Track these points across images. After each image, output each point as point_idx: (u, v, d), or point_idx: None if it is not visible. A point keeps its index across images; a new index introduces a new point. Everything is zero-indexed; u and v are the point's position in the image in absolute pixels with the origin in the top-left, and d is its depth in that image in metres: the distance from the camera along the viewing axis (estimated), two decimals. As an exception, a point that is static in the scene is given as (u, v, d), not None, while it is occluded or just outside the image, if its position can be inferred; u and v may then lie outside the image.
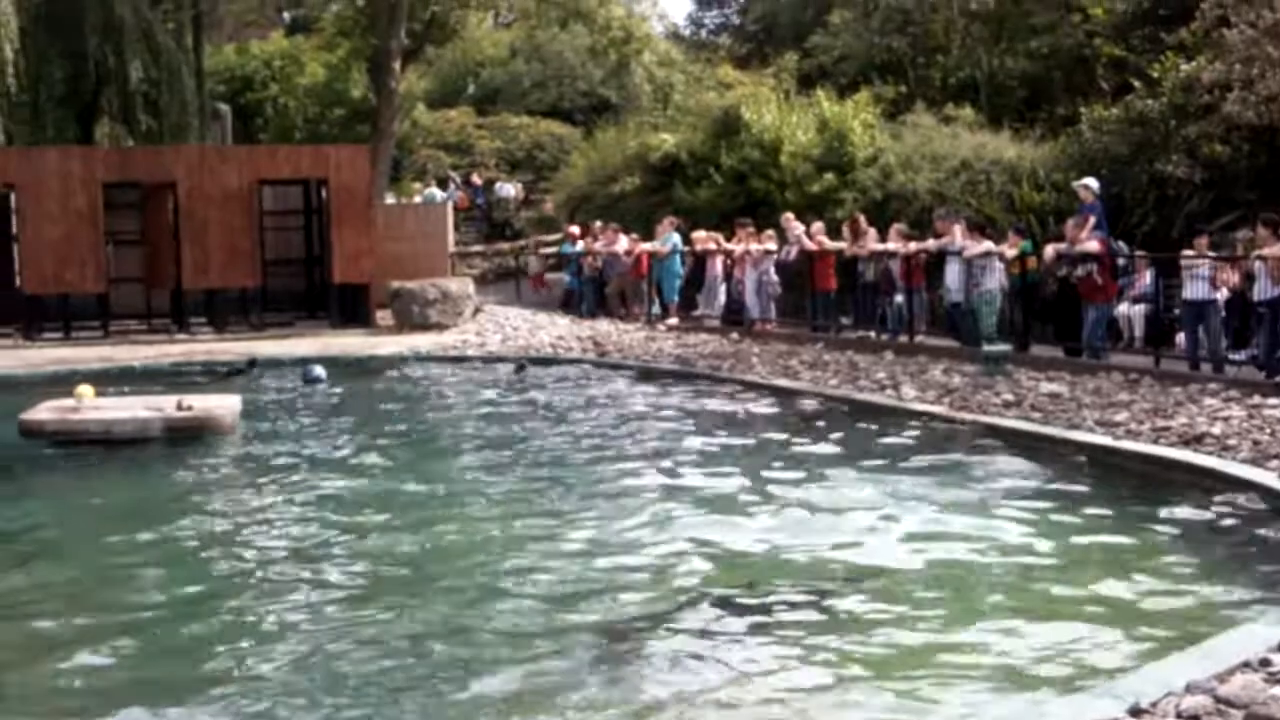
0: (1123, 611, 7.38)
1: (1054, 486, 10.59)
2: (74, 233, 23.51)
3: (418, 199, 35.76)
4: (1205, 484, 10.16)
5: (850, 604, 7.64)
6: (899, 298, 19.28)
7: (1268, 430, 11.43)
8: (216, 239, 24.19)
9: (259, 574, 8.61)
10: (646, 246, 24.29)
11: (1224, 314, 15.28)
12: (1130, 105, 21.19)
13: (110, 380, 17.17)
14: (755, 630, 7.20)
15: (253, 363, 19.20)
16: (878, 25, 31.22)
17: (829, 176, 24.08)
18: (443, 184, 38.89)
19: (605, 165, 30.90)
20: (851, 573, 8.27)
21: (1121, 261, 17.18)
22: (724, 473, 11.46)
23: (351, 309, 24.67)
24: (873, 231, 20.29)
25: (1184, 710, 5.28)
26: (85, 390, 14.31)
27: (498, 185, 39.06)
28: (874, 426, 13.53)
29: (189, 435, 13.50)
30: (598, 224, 26.40)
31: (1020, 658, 6.66)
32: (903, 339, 18.78)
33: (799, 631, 7.16)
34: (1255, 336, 14.87)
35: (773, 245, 21.71)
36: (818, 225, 21.50)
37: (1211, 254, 15.81)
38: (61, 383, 16.18)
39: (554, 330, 22.70)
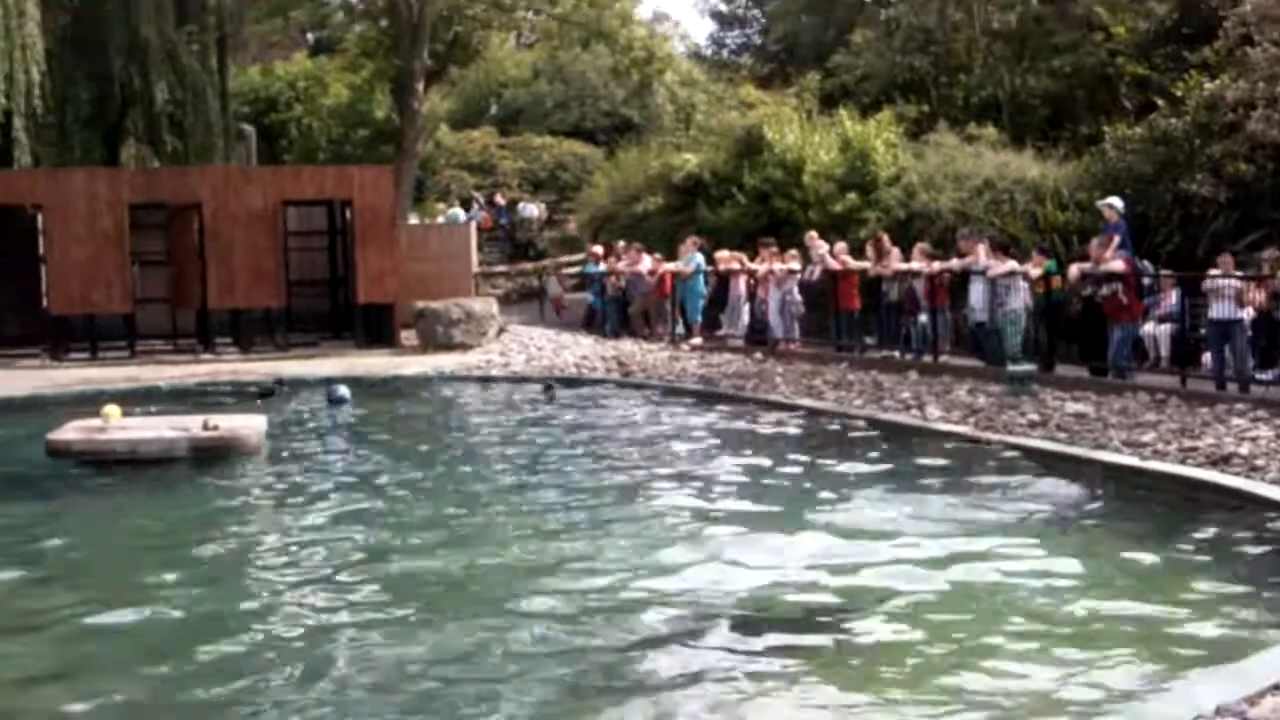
0: (1150, 633, 7.33)
1: (1080, 507, 10.55)
2: (100, 254, 23.65)
3: (441, 219, 35.87)
4: (1233, 504, 10.11)
5: (872, 626, 7.59)
6: (923, 317, 19.25)
7: (1296, 450, 11.39)
8: (241, 259, 24.29)
9: (281, 595, 8.59)
10: (670, 266, 24.31)
11: (1250, 333, 15.21)
12: (1154, 124, 21.15)
13: (136, 400, 17.23)
14: (775, 652, 7.16)
15: (280, 383, 19.26)
16: (900, 44, 31.27)
17: (852, 196, 24.10)
18: (466, 204, 39.02)
19: (628, 185, 30.98)
20: (874, 594, 8.22)
21: (1147, 281, 17.13)
22: (748, 494, 11.44)
23: (376, 329, 24.73)
24: (896, 251, 20.28)
25: (1215, 733, 5.27)
26: (112, 410, 14.37)
27: (521, 205, 39.15)
28: (899, 447, 13.50)
29: (215, 455, 13.52)
30: (621, 244, 26.42)
31: (1046, 681, 6.59)
32: (927, 359, 18.74)
33: (819, 654, 7.14)
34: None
35: (796, 265, 21.71)
36: (841, 245, 21.50)
37: (1238, 274, 15.75)
38: (88, 403, 16.25)
39: (578, 350, 22.71)
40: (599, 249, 27.37)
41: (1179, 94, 21.52)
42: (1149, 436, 12.49)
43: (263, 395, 18.48)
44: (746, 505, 10.93)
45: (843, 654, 7.15)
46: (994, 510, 10.51)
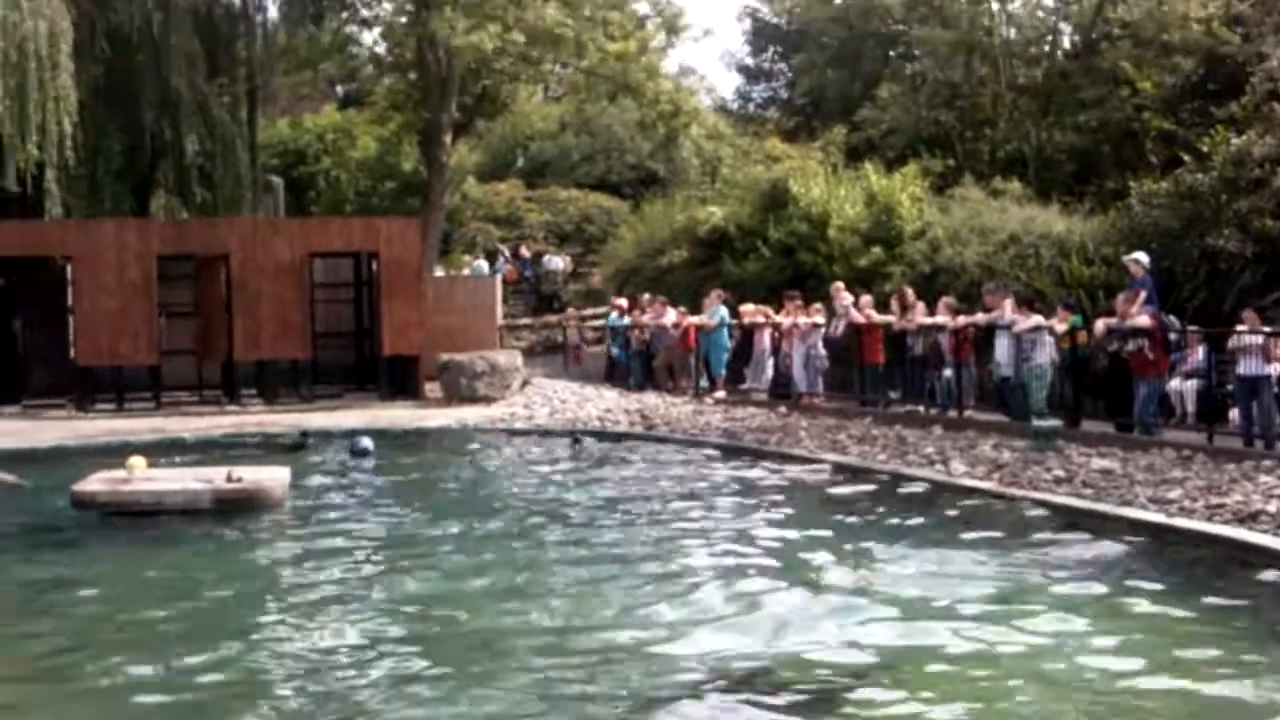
0: (1176, 697, 7.26)
1: (1105, 565, 10.46)
2: (129, 305, 23.77)
3: (466, 271, 36.00)
4: (1264, 562, 10.02)
5: (888, 691, 7.51)
6: (948, 372, 19.19)
7: (1324, 509, 11.28)
8: (268, 311, 24.38)
9: (302, 652, 8.56)
10: (694, 320, 24.32)
11: (1277, 389, 15.10)
12: (1180, 179, 21.11)
13: (161, 451, 17.26)
14: (786, 710, 7.12)
15: (304, 435, 19.27)
16: (925, 99, 31.41)
17: (877, 250, 24.07)
18: (491, 257, 39.15)
19: (653, 238, 31.04)
20: (890, 654, 8.15)
21: (1173, 336, 17.06)
22: (770, 552, 11.36)
23: (400, 381, 24.76)
24: (921, 305, 20.25)
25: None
26: (137, 461, 14.39)
27: (546, 258, 39.27)
28: (923, 503, 13.45)
29: (239, 507, 13.53)
30: (646, 297, 26.46)
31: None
32: (952, 414, 18.68)
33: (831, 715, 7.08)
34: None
35: (820, 319, 21.69)
36: (866, 298, 21.48)
37: (1266, 329, 15.68)
38: (113, 454, 16.28)
39: (601, 403, 22.71)
40: (623, 301, 27.42)
41: (1205, 149, 21.48)
42: (1176, 493, 12.40)
43: (294, 448, 18.48)
44: (769, 562, 10.86)
45: (859, 711, 7.07)
46: (1016, 567, 10.44)
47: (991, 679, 7.71)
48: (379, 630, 9.00)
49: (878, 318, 20.83)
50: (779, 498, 14.12)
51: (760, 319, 23.30)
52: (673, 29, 35.66)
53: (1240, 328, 15.72)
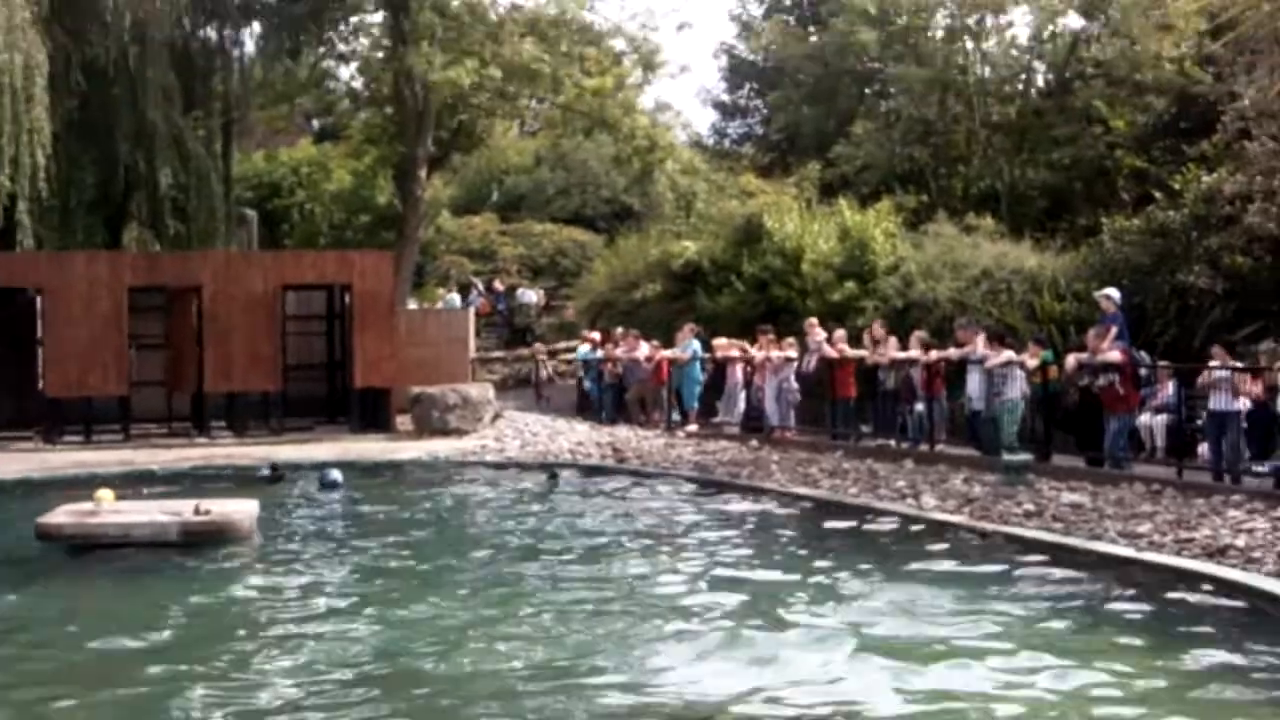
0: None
1: (1073, 598, 10.44)
2: (98, 336, 23.60)
3: (440, 304, 35.94)
4: (1233, 595, 10.02)
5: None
6: (919, 406, 19.21)
7: (1293, 543, 11.30)
8: (239, 343, 24.26)
9: (264, 687, 8.45)
10: (667, 353, 24.31)
11: (1245, 425, 15.15)
12: (1151, 216, 21.26)
13: (130, 484, 17.12)
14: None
15: (274, 467, 19.12)
16: (899, 135, 31.53)
17: (850, 285, 24.14)
18: (465, 290, 39.12)
19: (627, 272, 31.08)
20: (860, 692, 8.08)
21: (1143, 371, 17.11)
22: (739, 584, 11.32)
23: (372, 414, 24.66)
24: (893, 339, 20.29)
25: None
26: (105, 494, 14.27)
27: (519, 291, 39.25)
28: (893, 536, 13.44)
29: (207, 540, 13.41)
30: (619, 330, 26.45)
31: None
32: (923, 447, 18.68)
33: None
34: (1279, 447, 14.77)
35: (793, 353, 21.70)
36: (839, 332, 21.50)
37: (1235, 364, 15.73)
38: (81, 486, 16.15)
39: (573, 436, 22.65)
40: (596, 335, 27.41)
41: (1177, 187, 21.64)
42: (1145, 527, 12.41)
43: (272, 480, 18.36)
44: (739, 598, 10.75)
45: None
46: (988, 601, 10.39)
47: (958, 715, 7.66)
48: (340, 670, 8.84)
49: (850, 352, 20.85)
50: (750, 532, 14.08)
51: (734, 353, 23.29)
52: (649, 65, 35.73)
53: (1212, 363, 15.78)
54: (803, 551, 12.83)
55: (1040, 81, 32.13)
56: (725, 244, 27.89)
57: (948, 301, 22.28)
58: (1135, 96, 27.84)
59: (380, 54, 35.23)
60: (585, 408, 26.73)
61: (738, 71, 45.92)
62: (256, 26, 34.76)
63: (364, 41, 36.46)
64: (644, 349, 24.88)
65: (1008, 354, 17.87)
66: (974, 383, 18.32)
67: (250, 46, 35.14)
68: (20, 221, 25.86)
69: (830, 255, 25.26)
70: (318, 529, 14.92)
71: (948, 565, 11.82)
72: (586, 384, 27.09)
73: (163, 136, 29.95)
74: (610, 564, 12.52)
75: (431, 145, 35.12)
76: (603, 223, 43.65)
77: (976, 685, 8.20)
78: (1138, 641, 9.10)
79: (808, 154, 34.65)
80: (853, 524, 14.15)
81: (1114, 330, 17.04)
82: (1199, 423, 16.20)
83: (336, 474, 18.06)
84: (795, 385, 21.50)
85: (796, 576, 11.58)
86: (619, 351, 25.54)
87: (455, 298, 37.49)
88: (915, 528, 13.70)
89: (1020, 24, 31.84)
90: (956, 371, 19.00)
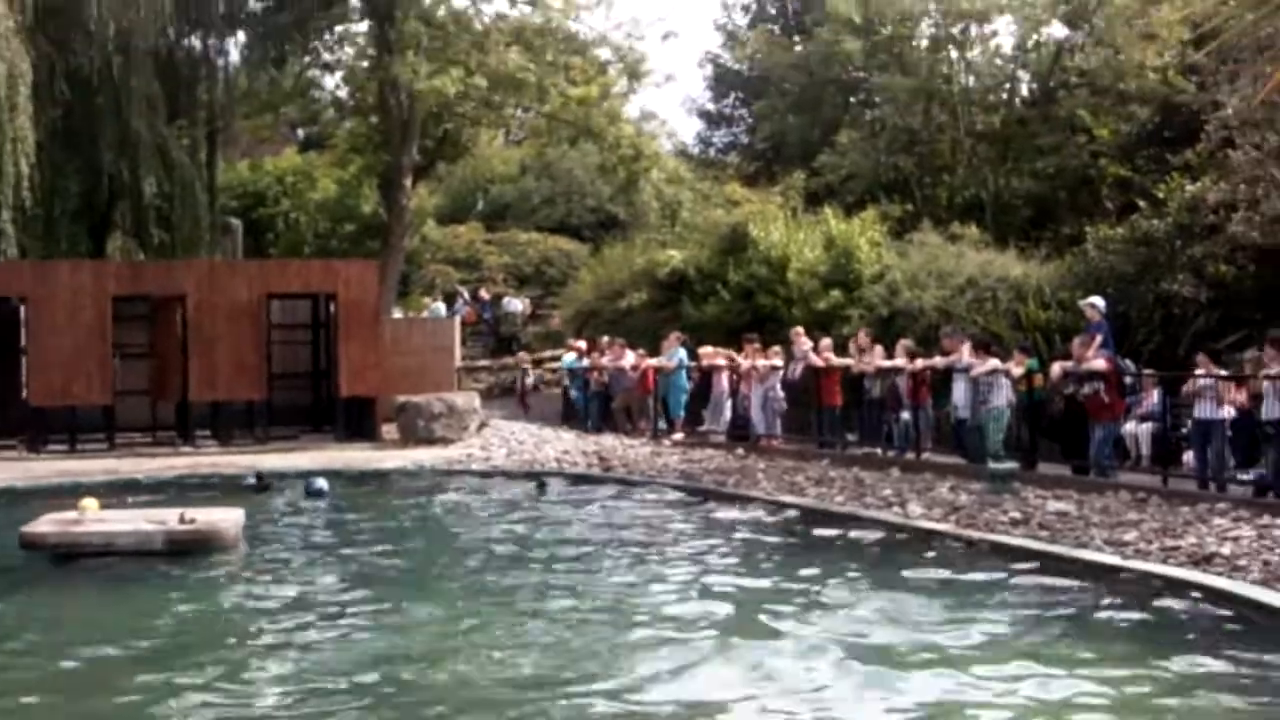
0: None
1: (1060, 606, 10.45)
2: (82, 345, 23.54)
3: (425, 313, 35.91)
4: (1219, 603, 10.04)
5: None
6: (905, 414, 19.23)
7: (1277, 551, 11.32)
8: (224, 352, 24.22)
9: (250, 697, 8.41)
10: (653, 362, 24.31)
11: (1230, 433, 15.19)
12: (1136, 225, 21.33)
13: (114, 492, 17.05)
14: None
15: (260, 476, 19.07)
16: (884, 145, 31.61)
17: (836, 293, 24.19)
18: (450, 299, 39.08)
19: (613, 281, 31.11)
20: (848, 703, 8.07)
21: (1128, 380, 17.15)
22: (726, 594, 11.30)
23: (357, 423, 24.63)
24: (879, 348, 20.31)
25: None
26: (90, 503, 14.22)
27: (505, 300, 39.23)
28: (880, 545, 13.44)
29: (192, 548, 13.36)
30: (604, 339, 26.45)
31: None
32: (909, 456, 18.69)
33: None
34: (1264, 456, 14.80)
35: (779, 361, 21.71)
36: (826, 341, 21.54)
37: (1220, 372, 15.78)
38: (65, 495, 16.09)
39: (559, 445, 22.62)
40: (582, 344, 27.40)
41: (1161, 195, 21.72)
42: (1131, 535, 12.43)
43: (260, 489, 18.31)
44: (726, 607, 10.72)
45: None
46: (975, 610, 10.39)
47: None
48: (326, 679, 8.78)
49: (836, 360, 20.87)
50: (736, 540, 14.05)
51: (720, 361, 23.29)
52: (635, 74, 35.72)
53: (1198, 372, 15.82)
54: (789, 560, 12.80)
55: (1025, 91, 32.22)
56: (711, 253, 27.93)
57: (933, 310, 22.33)
58: (1119, 105, 27.95)
59: (365, 63, 35.17)
60: (570, 416, 26.71)
61: (723, 81, 46.05)
62: (241, 35, 34.62)
63: (349, 51, 36.39)
64: (630, 358, 24.87)
65: (993, 362, 17.91)
66: (960, 391, 18.35)
67: (235, 55, 35.05)
68: (4, 230, 25.84)
69: (815, 264, 25.30)
70: (303, 538, 14.86)
71: (934, 574, 11.81)
72: (573, 393, 27.07)
73: (147, 145, 29.87)
74: (597, 572, 12.48)
75: (417, 154, 35.08)
76: (588, 231, 43.65)
77: (962, 693, 8.19)
78: (1123, 649, 9.11)
79: (793, 163, 34.72)
80: (839, 532, 14.13)
81: (1099, 338, 17.08)
82: (1184, 431, 16.25)
83: (322, 483, 18.03)
84: (781, 394, 21.50)
85: (783, 585, 11.57)
86: (605, 360, 25.53)
87: (440, 307, 37.46)
88: (901, 536, 13.69)
89: (1005, 33, 32.01)
90: (942, 380, 19.02)
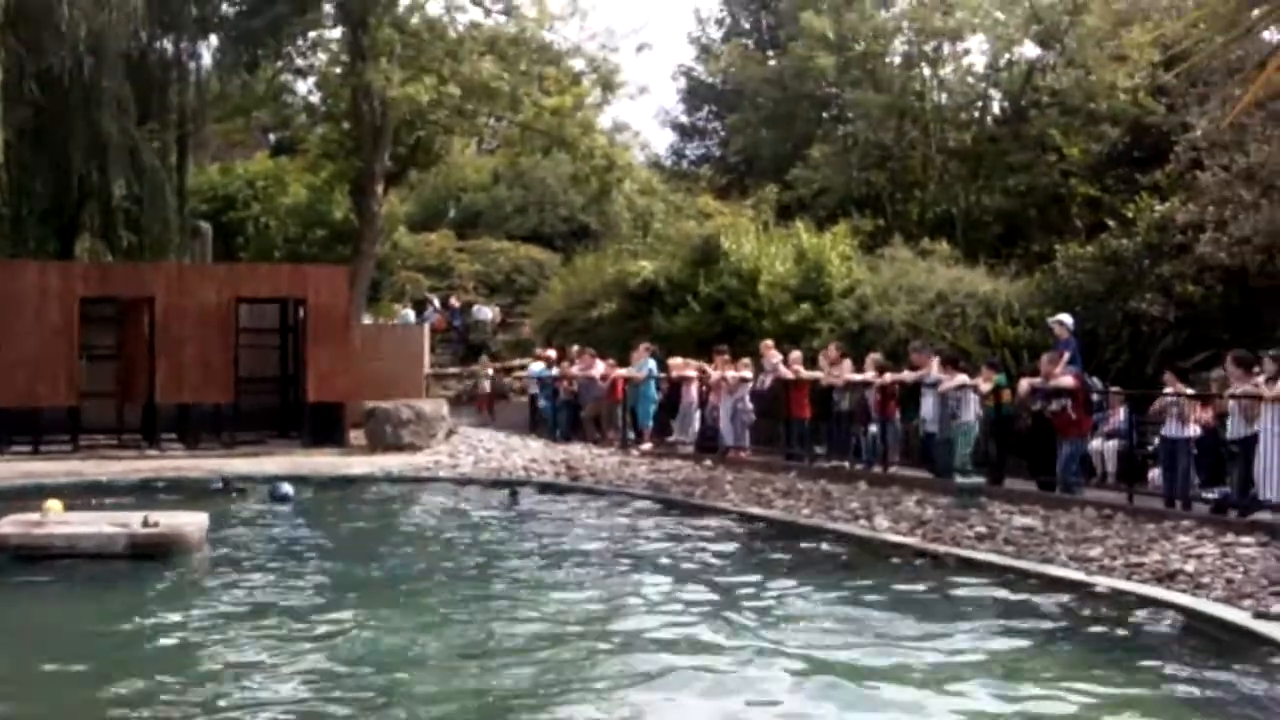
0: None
1: (1023, 623, 10.46)
2: (48, 346, 23.37)
3: (395, 320, 35.82)
4: (1183, 621, 10.08)
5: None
6: (873, 428, 19.27)
7: (1240, 569, 11.39)
8: (192, 355, 24.11)
9: (208, 702, 8.33)
10: (622, 371, 24.31)
11: (1195, 451, 15.27)
12: (1105, 243, 21.43)
13: (77, 494, 16.91)
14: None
15: (226, 480, 18.98)
16: (857, 160, 31.70)
17: (806, 306, 24.24)
18: (420, 306, 38.99)
19: (584, 290, 31.07)
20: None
21: (1095, 397, 17.23)
22: (691, 605, 11.28)
23: (325, 428, 24.53)
24: (848, 361, 20.35)
25: None
26: (54, 505, 14.13)
27: (475, 308, 39.17)
28: (845, 558, 13.46)
29: (155, 552, 13.28)
30: (574, 348, 26.43)
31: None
32: (876, 469, 18.73)
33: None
34: (1228, 474, 14.89)
35: (748, 373, 21.73)
36: (796, 354, 21.58)
37: (1187, 391, 15.86)
38: (29, 497, 15.96)
39: (527, 453, 22.60)
40: (552, 352, 27.40)
41: (1130, 215, 21.83)
42: (1096, 551, 12.48)
43: (226, 494, 18.21)
44: (690, 619, 10.70)
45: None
46: (939, 624, 10.39)
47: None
48: (287, 685, 8.71)
49: (805, 373, 20.91)
50: (703, 552, 14.01)
51: (690, 372, 23.29)
52: (608, 86, 35.69)
53: (1167, 390, 15.89)
54: (754, 572, 12.80)
55: (996, 109, 32.35)
56: (682, 264, 27.93)
57: (902, 324, 22.40)
58: (1089, 125, 28.08)
59: (338, 69, 35.04)
60: (537, 424, 26.68)
61: (696, 94, 46.11)
62: (214, 39, 34.43)
63: (322, 56, 36.26)
64: (599, 367, 24.86)
65: (961, 377, 17.97)
66: (928, 405, 18.41)
67: (207, 59, 34.82)
68: (-29, 230, 25.65)
69: (786, 277, 25.35)
70: (267, 542, 14.78)
71: (899, 587, 11.83)
72: (541, 401, 27.05)
73: (117, 147, 29.67)
74: (563, 584, 12.43)
75: (389, 161, 34.96)
76: (560, 241, 43.63)
77: (924, 707, 8.20)
78: (1086, 665, 9.13)
79: (765, 176, 34.77)
80: (806, 545, 14.15)
81: (1067, 355, 17.16)
82: (1150, 448, 16.33)
83: (288, 487, 17.97)
84: (750, 405, 21.53)
85: (747, 597, 11.56)
86: (574, 369, 25.52)
87: (410, 313, 37.37)
88: (867, 549, 13.71)
89: (977, 52, 32.13)
90: (910, 394, 19.07)
